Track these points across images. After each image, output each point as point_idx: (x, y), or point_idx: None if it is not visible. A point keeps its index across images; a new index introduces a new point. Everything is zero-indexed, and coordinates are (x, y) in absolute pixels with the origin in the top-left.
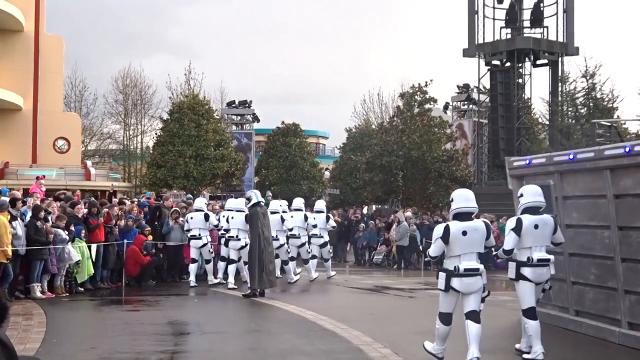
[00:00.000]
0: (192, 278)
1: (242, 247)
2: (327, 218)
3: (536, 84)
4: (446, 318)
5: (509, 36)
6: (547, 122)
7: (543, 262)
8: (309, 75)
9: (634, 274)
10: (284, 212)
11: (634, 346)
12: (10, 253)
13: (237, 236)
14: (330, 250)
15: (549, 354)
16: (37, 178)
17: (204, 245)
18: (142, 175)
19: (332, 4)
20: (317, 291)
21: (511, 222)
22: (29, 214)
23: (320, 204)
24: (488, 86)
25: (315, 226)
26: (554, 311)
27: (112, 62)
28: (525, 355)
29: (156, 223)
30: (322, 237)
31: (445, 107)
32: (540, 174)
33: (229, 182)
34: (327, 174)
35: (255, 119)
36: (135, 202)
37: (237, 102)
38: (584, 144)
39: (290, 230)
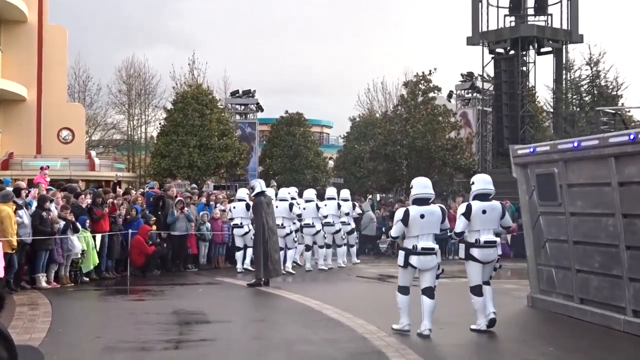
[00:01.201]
0: (239, 265)
1: (245, 234)
2: (353, 206)
3: (540, 71)
4: (404, 290)
5: (513, 24)
6: (552, 110)
7: (490, 244)
8: (312, 64)
9: (639, 262)
10: (292, 199)
11: (639, 334)
12: (15, 243)
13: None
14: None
15: (554, 342)
16: (41, 168)
17: (246, 233)
18: (146, 165)
19: None
20: (321, 280)
21: (462, 208)
22: (34, 204)
23: (332, 192)
24: (492, 74)
25: (326, 216)
26: (559, 299)
27: (112, 53)
28: (472, 326)
29: (159, 213)
30: (333, 224)
31: (449, 96)
32: (545, 161)
33: (233, 172)
34: (331, 163)
35: (259, 108)
36: (140, 192)
37: (240, 92)
38: (589, 131)
39: (301, 219)
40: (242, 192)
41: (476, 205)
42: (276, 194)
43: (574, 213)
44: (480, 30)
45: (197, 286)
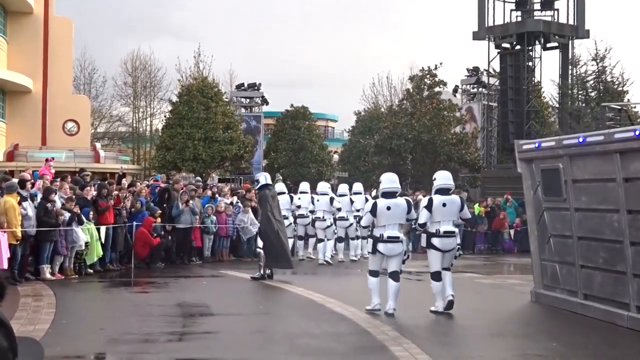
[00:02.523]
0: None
1: (308, 224)
2: (366, 199)
3: (546, 67)
4: (374, 274)
5: (519, 19)
6: (557, 106)
7: (449, 234)
8: (317, 58)
9: None
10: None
11: None
12: (19, 234)
13: (306, 214)
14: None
15: (557, 338)
16: (47, 160)
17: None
18: (151, 157)
19: None
20: (325, 274)
21: (424, 201)
22: (39, 196)
23: (344, 189)
24: (498, 69)
25: (340, 209)
26: (563, 295)
27: (118, 45)
28: (431, 308)
29: (165, 205)
30: (347, 219)
31: (455, 91)
32: (550, 157)
33: (238, 165)
34: (335, 157)
35: (264, 101)
36: (146, 184)
37: (246, 85)
38: (594, 127)
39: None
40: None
41: (437, 198)
42: (290, 189)
43: (578, 209)
44: (486, 25)
45: (201, 279)
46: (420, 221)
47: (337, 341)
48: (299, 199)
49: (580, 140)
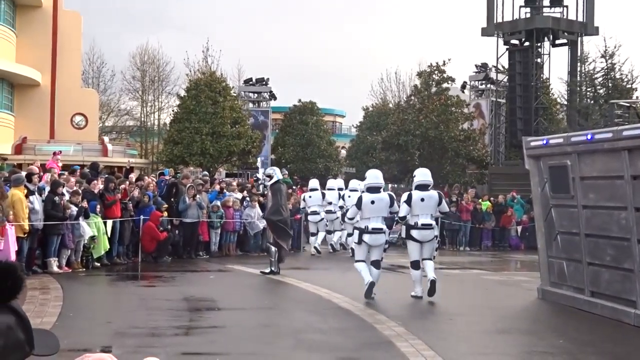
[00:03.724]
0: (314, 246)
1: (320, 220)
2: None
3: (555, 63)
4: (361, 261)
5: (528, 15)
6: (566, 103)
7: (426, 226)
8: (326, 53)
9: None
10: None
11: None
12: (27, 227)
13: (317, 211)
14: None
15: (564, 335)
16: (54, 154)
17: (321, 220)
18: (159, 152)
19: None
20: (331, 269)
21: (404, 196)
22: (47, 189)
23: (355, 184)
24: (506, 66)
25: (330, 203)
26: (569, 292)
27: (126, 39)
28: (411, 293)
29: (172, 200)
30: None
31: (463, 87)
32: (558, 154)
33: (245, 160)
34: (343, 152)
35: (272, 96)
36: (154, 179)
37: (254, 80)
38: (602, 124)
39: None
40: (315, 183)
41: (416, 194)
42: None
43: (586, 206)
44: (495, 21)
45: (207, 273)
46: (401, 214)
47: (344, 336)
48: (310, 197)
49: (589, 137)
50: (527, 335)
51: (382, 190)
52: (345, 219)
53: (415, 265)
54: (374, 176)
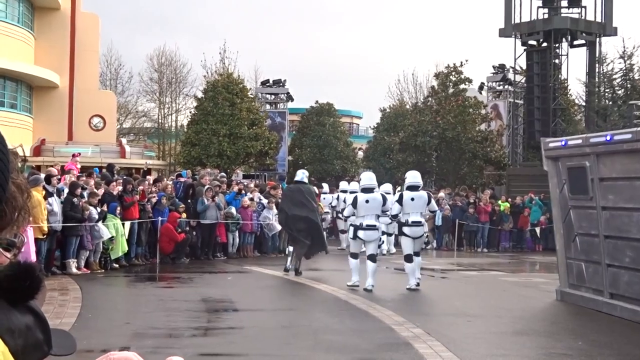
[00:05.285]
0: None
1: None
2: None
3: (573, 64)
4: (354, 255)
5: (546, 16)
6: (584, 104)
7: (416, 223)
8: (343, 54)
9: None
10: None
11: None
12: (45, 229)
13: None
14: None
15: (583, 337)
16: (73, 155)
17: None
18: (177, 153)
19: None
20: (348, 270)
21: (396, 196)
22: (66, 190)
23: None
24: (524, 66)
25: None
26: (588, 294)
27: (141, 41)
28: (407, 286)
29: (190, 201)
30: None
31: (481, 88)
32: (576, 155)
33: (263, 161)
34: (360, 153)
35: (289, 98)
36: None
37: (271, 81)
38: (621, 125)
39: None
40: (345, 184)
41: (407, 194)
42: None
43: (605, 207)
44: (512, 22)
45: (225, 274)
46: (393, 213)
47: (362, 337)
48: (324, 198)
49: (608, 138)
50: (545, 337)
51: (375, 190)
52: (342, 217)
53: (409, 258)
54: (369, 178)
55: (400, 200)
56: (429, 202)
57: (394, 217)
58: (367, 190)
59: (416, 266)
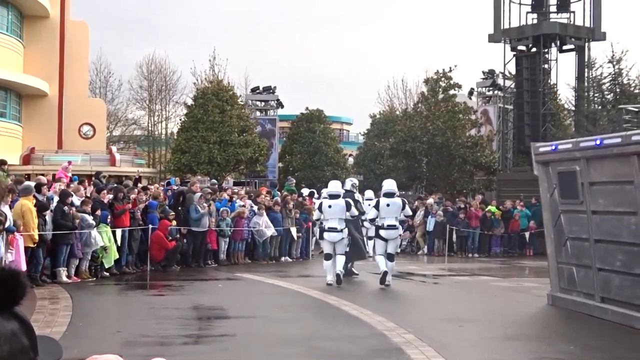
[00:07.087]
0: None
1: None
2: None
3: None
4: (327, 256)
5: (535, 21)
6: (573, 108)
7: (391, 227)
8: (332, 61)
9: None
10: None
11: None
12: (36, 237)
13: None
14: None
15: (574, 341)
16: (69, 163)
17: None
18: (167, 161)
19: None
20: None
21: (373, 202)
22: (56, 199)
23: (370, 194)
24: (513, 72)
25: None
26: (580, 298)
27: (131, 49)
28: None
29: (180, 208)
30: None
31: (470, 93)
32: (567, 159)
33: (253, 168)
34: (350, 160)
35: (279, 104)
36: (161, 188)
37: (261, 88)
38: (610, 130)
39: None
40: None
41: (383, 200)
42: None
43: (595, 211)
44: (502, 27)
45: (216, 282)
46: (370, 217)
47: (354, 344)
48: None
49: (598, 142)
50: (537, 341)
51: (340, 197)
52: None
53: (380, 256)
54: (334, 185)
55: (377, 206)
56: (404, 207)
57: (372, 221)
58: (333, 196)
59: (389, 268)
